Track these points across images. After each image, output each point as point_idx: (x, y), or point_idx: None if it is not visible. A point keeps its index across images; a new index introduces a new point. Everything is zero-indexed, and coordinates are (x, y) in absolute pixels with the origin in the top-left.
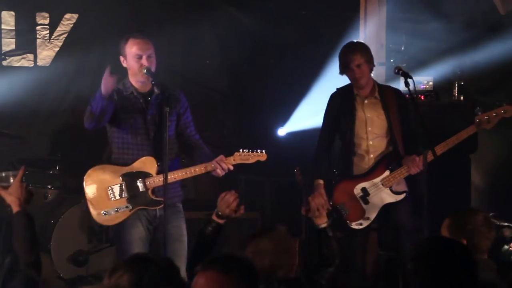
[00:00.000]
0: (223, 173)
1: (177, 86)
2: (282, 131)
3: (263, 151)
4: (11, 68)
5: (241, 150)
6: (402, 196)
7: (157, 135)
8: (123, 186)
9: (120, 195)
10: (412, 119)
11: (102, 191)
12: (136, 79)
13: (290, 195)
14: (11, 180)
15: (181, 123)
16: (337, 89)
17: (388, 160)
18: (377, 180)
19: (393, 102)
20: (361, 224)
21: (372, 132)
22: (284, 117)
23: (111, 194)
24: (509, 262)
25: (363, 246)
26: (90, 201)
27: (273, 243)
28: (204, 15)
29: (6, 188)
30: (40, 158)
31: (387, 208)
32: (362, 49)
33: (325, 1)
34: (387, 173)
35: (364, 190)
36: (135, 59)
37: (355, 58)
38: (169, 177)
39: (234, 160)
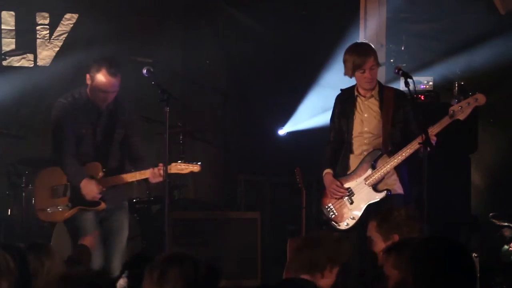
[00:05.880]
0: (157, 180)
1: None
2: (282, 131)
3: (199, 163)
4: (11, 68)
5: (178, 161)
6: (382, 194)
7: (103, 143)
8: (67, 187)
9: (64, 194)
10: (411, 120)
11: (48, 189)
12: (94, 98)
13: (290, 195)
14: None
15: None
16: (341, 90)
17: (370, 158)
18: (361, 179)
19: (391, 103)
20: (347, 225)
21: (369, 132)
22: (284, 117)
23: (55, 192)
24: (509, 262)
25: (359, 246)
26: (35, 198)
27: None
28: (204, 15)
29: None
30: (40, 158)
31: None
32: (374, 51)
33: (325, 1)
34: (369, 171)
35: (349, 190)
36: (100, 92)
37: (370, 60)
38: (110, 181)
39: (170, 169)
